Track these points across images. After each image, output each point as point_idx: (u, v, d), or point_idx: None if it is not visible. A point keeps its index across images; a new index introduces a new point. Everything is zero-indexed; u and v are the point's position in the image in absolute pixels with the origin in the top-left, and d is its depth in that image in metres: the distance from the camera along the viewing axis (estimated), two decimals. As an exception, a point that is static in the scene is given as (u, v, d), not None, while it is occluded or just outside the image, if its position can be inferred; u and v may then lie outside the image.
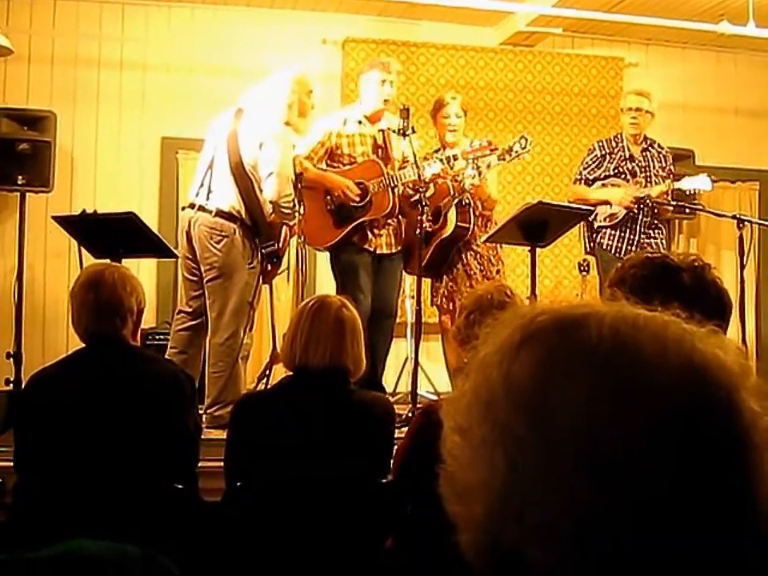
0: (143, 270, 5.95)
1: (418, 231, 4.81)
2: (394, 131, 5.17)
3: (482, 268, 5.45)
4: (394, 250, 5.34)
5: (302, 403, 2.83)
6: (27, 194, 5.96)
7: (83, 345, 2.98)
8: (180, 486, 2.84)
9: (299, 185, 4.88)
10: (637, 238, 5.66)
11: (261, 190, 4.73)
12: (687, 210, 6.19)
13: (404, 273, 5.57)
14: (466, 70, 7.25)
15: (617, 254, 5.57)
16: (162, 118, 6.74)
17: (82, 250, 4.67)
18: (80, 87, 6.64)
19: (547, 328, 0.76)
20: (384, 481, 2.85)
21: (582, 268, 6.44)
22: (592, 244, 5.84)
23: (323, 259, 5.86)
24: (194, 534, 2.77)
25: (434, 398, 5.41)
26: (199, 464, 3.03)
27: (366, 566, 2.66)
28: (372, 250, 5.26)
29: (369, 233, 5.24)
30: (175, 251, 4.78)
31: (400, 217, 5.36)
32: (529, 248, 5.02)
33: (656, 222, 5.75)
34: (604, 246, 5.72)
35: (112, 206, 5.39)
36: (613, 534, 0.69)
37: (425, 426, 2.63)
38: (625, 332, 0.73)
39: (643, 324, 0.74)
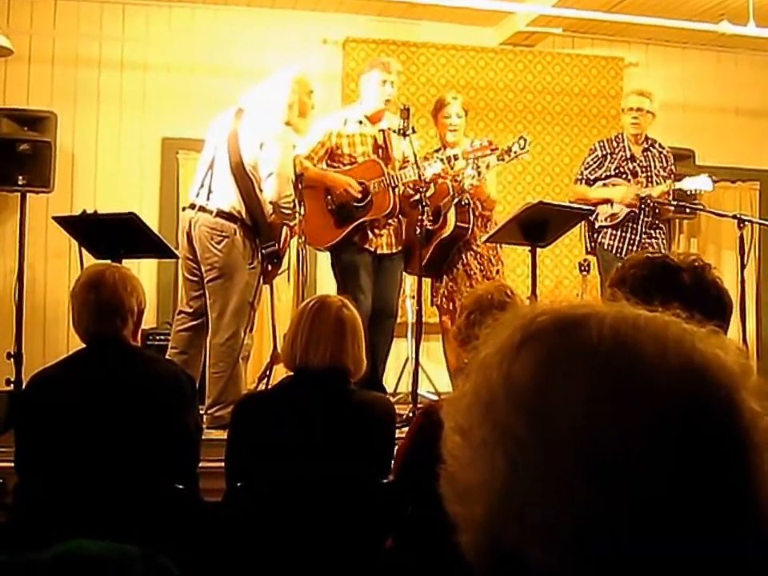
0: (144, 271, 5.95)
1: (418, 231, 4.81)
2: (394, 131, 5.17)
3: (482, 268, 5.46)
4: (394, 250, 5.34)
5: (302, 403, 2.83)
6: (28, 194, 5.96)
7: (84, 345, 2.98)
8: (180, 487, 2.84)
9: (299, 185, 4.88)
10: (638, 238, 5.66)
11: (261, 190, 4.73)
12: (688, 210, 6.19)
13: (404, 273, 5.57)
14: (467, 70, 7.25)
15: (618, 254, 5.57)
16: (162, 119, 6.74)
17: (83, 250, 4.67)
18: (80, 87, 6.64)
19: (548, 328, 0.76)
20: (384, 481, 2.84)
21: (583, 268, 6.45)
22: (593, 244, 5.84)
23: (324, 259, 5.86)
24: (194, 534, 2.77)
25: (435, 398, 5.41)
26: (200, 464, 3.03)
27: (366, 566, 2.66)
28: (373, 250, 5.26)
29: (369, 233, 5.24)
30: (176, 251, 4.78)
31: (401, 217, 5.36)
32: (529, 248, 5.02)
33: (657, 221, 5.75)
34: (605, 246, 5.71)
35: (112, 206, 5.39)
36: (613, 534, 0.69)
37: (425, 427, 2.63)
38: (625, 332, 0.73)
39: (644, 324, 0.74)
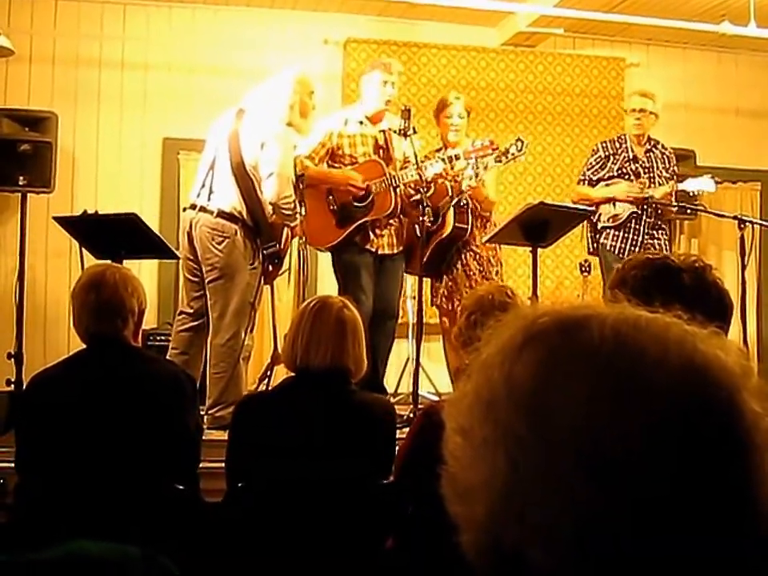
0: (144, 271, 5.95)
1: (418, 232, 4.81)
2: (395, 132, 5.17)
3: (482, 269, 5.46)
4: (395, 251, 5.34)
5: (303, 404, 2.83)
6: (28, 194, 5.97)
7: (84, 345, 2.98)
8: (181, 487, 2.84)
9: (300, 185, 4.88)
10: (640, 238, 5.65)
11: (262, 191, 4.73)
12: (689, 211, 6.19)
13: (405, 273, 5.57)
14: (468, 70, 7.25)
15: (620, 255, 5.56)
16: (163, 119, 6.74)
17: (83, 250, 4.68)
18: (81, 87, 6.64)
19: (549, 329, 0.76)
20: (385, 482, 2.84)
21: (584, 268, 6.45)
22: (595, 244, 5.83)
23: (324, 260, 5.87)
24: (194, 534, 2.76)
25: (436, 398, 5.41)
26: (200, 465, 3.03)
27: (366, 566, 2.66)
28: (374, 250, 5.26)
29: (371, 233, 5.24)
30: (176, 252, 4.78)
31: (402, 217, 5.36)
32: (530, 248, 5.02)
33: (659, 222, 5.74)
34: (607, 247, 5.71)
35: (113, 206, 5.40)
36: (613, 534, 0.69)
37: (426, 427, 2.63)
38: (626, 333, 0.73)
39: (645, 325, 0.74)
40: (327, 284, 6.01)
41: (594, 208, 5.61)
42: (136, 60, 6.75)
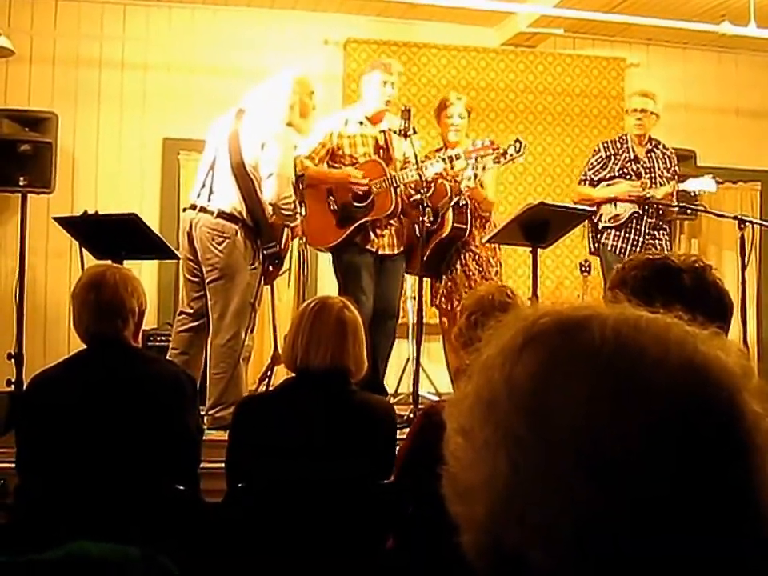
0: (145, 271, 5.95)
1: (417, 232, 4.82)
2: (395, 132, 5.17)
3: (481, 269, 5.46)
4: (396, 251, 5.34)
5: (303, 404, 2.84)
6: (28, 194, 5.97)
7: (84, 346, 2.98)
8: (181, 487, 2.84)
9: (300, 185, 4.88)
10: (641, 239, 5.65)
11: (261, 191, 4.73)
12: (689, 211, 6.19)
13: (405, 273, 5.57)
14: (468, 70, 7.25)
15: (621, 255, 5.55)
16: (163, 119, 6.75)
17: (84, 250, 4.68)
18: (81, 88, 6.64)
19: (549, 330, 0.76)
20: (385, 482, 2.84)
21: (584, 269, 6.46)
22: (596, 244, 5.83)
23: (324, 260, 5.87)
24: (195, 535, 2.77)
25: (436, 398, 5.41)
26: (200, 465, 3.03)
27: (366, 566, 2.66)
28: (374, 250, 5.26)
29: (371, 233, 5.24)
30: (176, 252, 4.78)
31: (402, 217, 5.36)
32: (530, 249, 5.02)
33: (660, 222, 5.74)
34: (608, 247, 5.70)
35: (113, 206, 5.40)
36: (612, 534, 0.69)
37: (426, 428, 2.63)
38: (627, 334, 0.73)
39: (645, 326, 0.74)
40: (327, 284, 6.01)
41: (595, 208, 5.61)
42: (136, 60, 6.75)
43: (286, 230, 4.90)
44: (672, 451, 0.69)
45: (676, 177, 5.79)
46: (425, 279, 5.30)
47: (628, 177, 5.71)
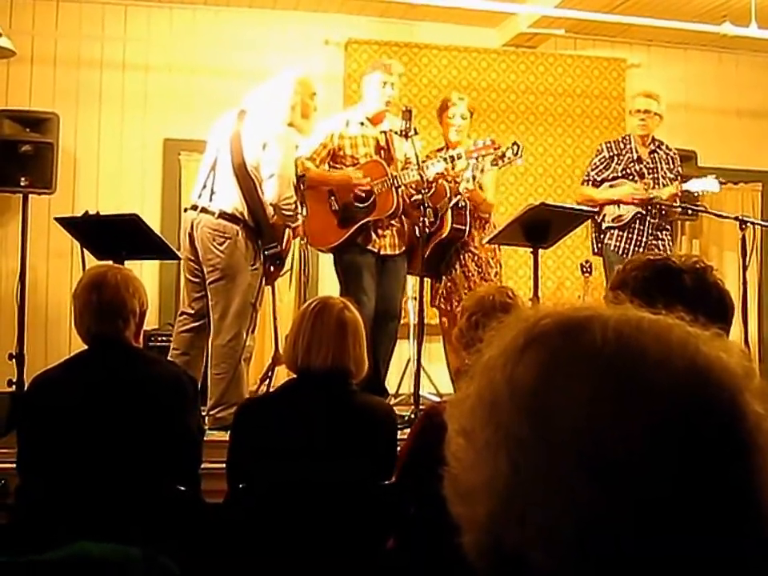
0: (146, 272, 5.95)
1: (418, 232, 4.82)
2: (396, 133, 5.17)
3: (480, 270, 5.46)
4: (397, 251, 5.34)
5: (304, 405, 2.84)
6: (30, 195, 5.97)
7: (85, 346, 2.98)
8: (182, 488, 2.84)
9: (301, 186, 4.88)
10: (644, 239, 5.65)
11: (263, 192, 4.73)
12: (690, 212, 6.19)
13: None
14: (469, 71, 7.25)
15: (624, 255, 5.55)
16: (164, 119, 6.75)
17: (85, 251, 4.68)
18: (82, 88, 6.65)
19: (551, 331, 0.76)
20: (386, 483, 2.84)
21: (585, 269, 6.46)
22: (599, 245, 5.83)
23: (325, 260, 5.87)
24: (196, 535, 2.77)
25: (437, 399, 5.41)
26: (201, 466, 3.03)
27: (367, 567, 2.66)
28: (376, 250, 5.26)
29: (373, 233, 5.24)
30: (178, 253, 4.78)
31: (403, 217, 5.36)
32: (531, 249, 5.02)
33: (663, 223, 5.74)
34: (611, 247, 5.70)
35: (114, 207, 5.41)
36: (614, 534, 0.69)
37: (427, 428, 2.63)
38: (629, 335, 0.73)
39: (647, 327, 0.74)
40: (328, 285, 6.01)
41: (596, 209, 5.60)
42: (137, 61, 6.75)
43: (287, 230, 4.90)
44: (674, 452, 0.69)
45: (679, 177, 5.79)
46: (425, 280, 5.29)
47: (631, 177, 5.71)
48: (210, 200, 4.72)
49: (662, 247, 5.63)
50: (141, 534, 2.34)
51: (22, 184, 5.87)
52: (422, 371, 4.97)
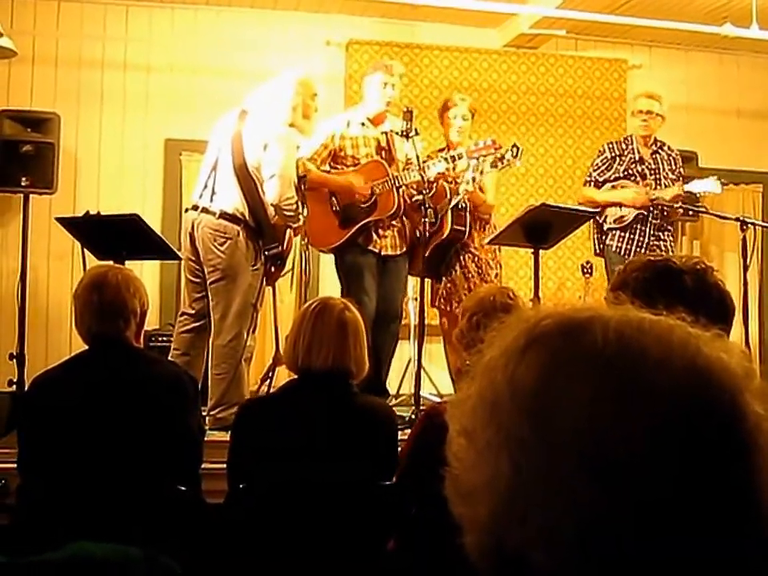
0: (146, 272, 5.95)
1: (418, 233, 4.82)
2: (397, 133, 5.17)
3: (480, 271, 5.46)
4: (399, 252, 5.34)
5: (305, 405, 2.84)
6: (31, 195, 5.97)
7: (86, 346, 2.99)
8: (183, 488, 2.84)
9: (302, 186, 4.88)
10: (646, 240, 5.65)
11: (264, 192, 4.73)
12: (691, 212, 6.18)
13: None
14: (470, 72, 7.25)
15: (625, 256, 5.54)
16: (165, 120, 6.75)
17: (86, 251, 4.68)
18: (84, 88, 6.65)
19: (552, 332, 0.76)
20: (387, 483, 2.84)
21: (585, 270, 6.45)
22: (601, 246, 5.83)
23: (326, 261, 5.87)
24: (196, 535, 2.77)
25: (437, 400, 5.41)
26: (202, 466, 3.03)
27: (368, 567, 2.66)
28: (377, 251, 5.25)
29: (374, 234, 5.24)
30: (178, 253, 4.79)
31: (404, 218, 5.36)
32: (532, 250, 5.02)
33: (665, 224, 5.74)
34: (613, 248, 5.70)
35: (115, 207, 5.41)
36: (615, 535, 0.69)
37: (428, 429, 2.63)
38: (630, 335, 0.73)
39: (648, 327, 0.74)
40: (329, 285, 6.01)
41: (597, 210, 5.60)
42: (138, 61, 6.75)
43: (288, 230, 4.90)
44: (675, 453, 0.69)
45: (681, 178, 5.79)
46: (426, 280, 5.30)
47: (633, 178, 5.70)
48: (211, 200, 4.72)
49: (663, 248, 5.63)
50: (141, 534, 2.34)
51: (22, 184, 5.87)
52: (422, 372, 4.97)
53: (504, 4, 6.45)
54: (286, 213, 4.73)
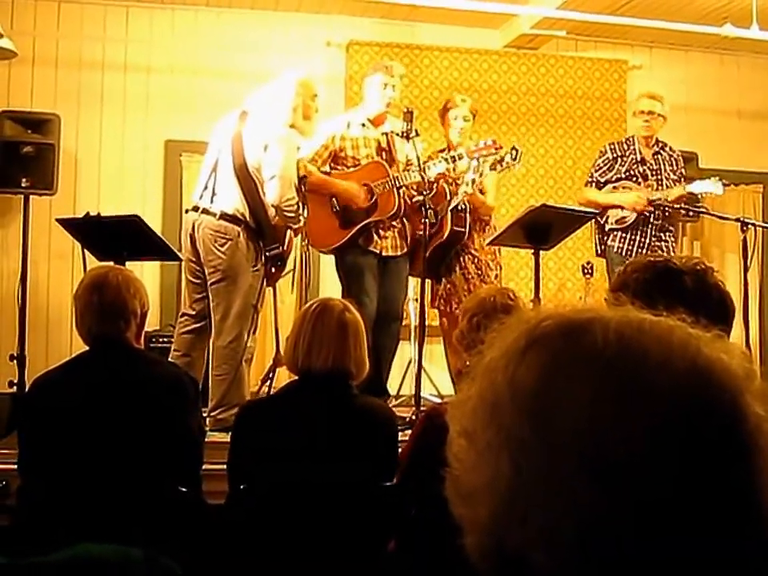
0: (147, 273, 5.96)
1: (419, 234, 4.82)
2: (397, 134, 5.18)
3: (480, 272, 5.46)
4: (399, 252, 5.34)
5: (305, 406, 2.84)
6: (31, 196, 5.98)
7: (86, 347, 2.99)
8: (183, 489, 2.84)
9: (303, 187, 4.88)
10: (647, 240, 5.64)
11: (264, 193, 4.73)
12: (691, 213, 6.18)
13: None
14: (470, 72, 7.25)
15: (626, 257, 5.53)
16: (165, 121, 6.75)
17: (86, 252, 4.68)
18: (84, 90, 6.65)
19: (552, 333, 0.76)
20: (387, 484, 2.84)
21: (586, 271, 6.45)
22: (603, 246, 5.83)
23: (327, 262, 5.87)
24: (197, 536, 2.77)
25: (438, 400, 5.41)
26: (203, 467, 3.03)
27: (368, 568, 2.66)
28: (378, 252, 5.25)
29: (374, 234, 5.24)
30: (179, 254, 4.79)
31: (405, 219, 5.36)
32: (532, 251, 5.02)
33: (666, 225, 5.73)
34: (614, 249, 5.70)
35: (116, 208, 5.40)
36: (615, 536, 0.69)
37: (428, 429, 2.63)
38: (630, 336, 0.73)
39: (648, 328, 0.74)
40: (330, 286, 6.01)
41: (598, 210, 5.60)
42: (139, 62, 6.76)
43: (288, 231, 4.90)
44: (675, 453, 0.69)
45: (682, 179, 5.79)
46: (426, 281, 5.30)
47: (634, 179, 5.70)
48: (212, 201, 4.72)
49: (665, 249, 5.63)
50: (142, 535, 2.34)
51: (23, 185, 5.88)
52: (422, 372, 4.97)
53: (504, 5, 6.45)
54: (286, 214, 4.73)
